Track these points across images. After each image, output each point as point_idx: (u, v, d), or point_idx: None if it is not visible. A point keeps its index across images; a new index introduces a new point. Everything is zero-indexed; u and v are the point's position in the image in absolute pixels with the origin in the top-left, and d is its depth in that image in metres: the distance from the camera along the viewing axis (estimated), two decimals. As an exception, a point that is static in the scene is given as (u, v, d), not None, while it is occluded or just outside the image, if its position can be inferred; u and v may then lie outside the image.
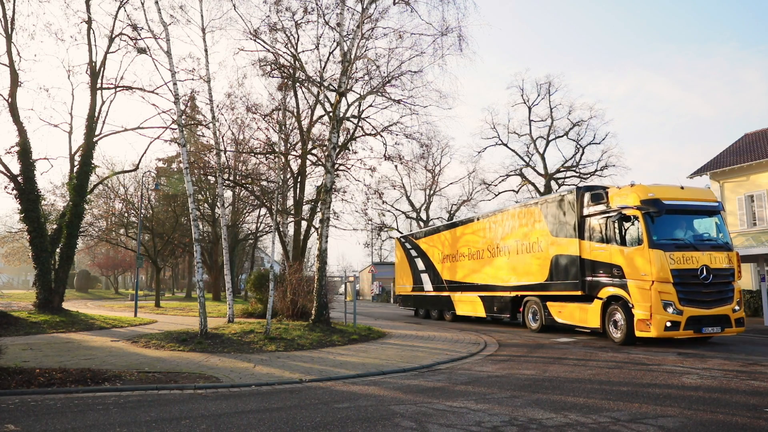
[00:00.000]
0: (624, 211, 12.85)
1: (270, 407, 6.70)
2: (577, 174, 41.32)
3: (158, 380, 8.30)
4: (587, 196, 14.27)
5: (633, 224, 12.76)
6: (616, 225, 13.17)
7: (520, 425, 5.70)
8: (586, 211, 14.26)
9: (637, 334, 12.41)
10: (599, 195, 13.85)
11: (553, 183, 41.42)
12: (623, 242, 12.98)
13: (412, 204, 47.94)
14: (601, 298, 13.59)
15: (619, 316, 13.01)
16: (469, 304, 20.57)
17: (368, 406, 6.72)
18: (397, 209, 48.08)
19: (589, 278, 14.09)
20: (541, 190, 40.38)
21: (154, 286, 37.66)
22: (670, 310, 11.85)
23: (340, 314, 19.64)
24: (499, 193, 44.27)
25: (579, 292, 14.42)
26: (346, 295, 23.83)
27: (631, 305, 12.58)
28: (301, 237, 21.32)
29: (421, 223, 47.77)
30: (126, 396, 7.35)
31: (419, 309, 25.71)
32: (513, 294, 17.70)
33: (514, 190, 43.55)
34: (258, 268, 47.02)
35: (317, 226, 16.79)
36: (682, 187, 13.12)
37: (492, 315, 19.17)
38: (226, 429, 5.62)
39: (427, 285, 23.86)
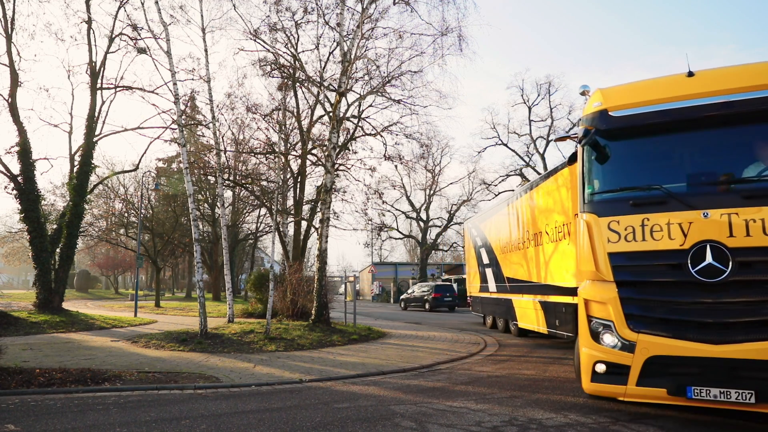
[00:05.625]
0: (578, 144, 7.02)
1: (270, 407, 6.70)
2: (577, 174, 41.30)
3: (158, 380, 8.30)
4: None
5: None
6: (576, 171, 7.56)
7: (520, 425, 5.70)
8: None
9: (582, 379, 6.34)
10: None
11: (553, 183, 41.39)
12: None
13: (412, 204, 47.94)
14: None
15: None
16: (530, 313, 14.05)
17: (368, 406, 6.72)
18: (397, 209, 48.07)
19: None
20: (541, 190, 40.35)
21: (154, 286, 37.67)
22: (609, 339, 5.87)
23: (340, 314, 19.65)
24: (499, 193, 44.28)
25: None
26: (346, 295, 23.79)
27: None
28: (301, 237, 21.31)
29: (421, 223, 47.77)
30: (126, 396, 7.35)
31: (486, 315, 19.70)
32: (574, 300, 11.45)
33: (513, 191, 43.58)
34: (258, 268, 47.03)
35: (317, 226, 16.79)
36: (690, 74, 6.12)
37: (553, 330, 12.48)
38: (226, 429, 5.62)
39: (491, 284, 17.69)
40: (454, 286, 36.82)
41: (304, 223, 20.98)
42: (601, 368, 5.90)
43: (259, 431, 5.55)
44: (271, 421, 5.96)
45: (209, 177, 29.76)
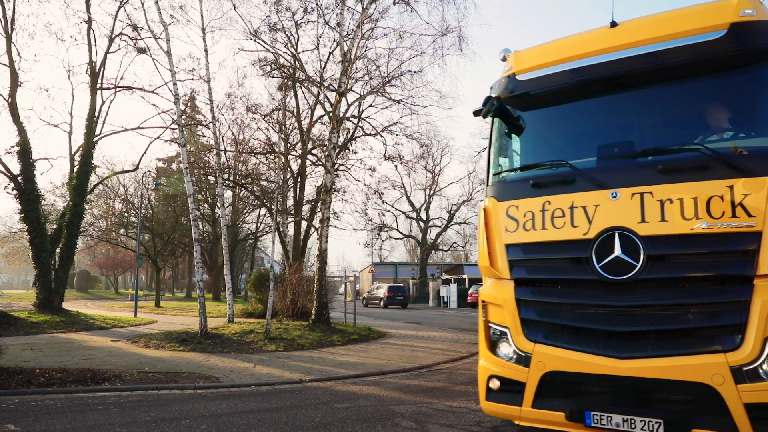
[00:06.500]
0: None
1: (270, 407, 6.70)
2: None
3: (158, 380, 8.30)
4: None
5: None
6: None
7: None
8: None
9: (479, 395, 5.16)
10: None
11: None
12: None
13: (412, 204, 47.99)
14: None
15: None
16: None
17: (368, 406, 6.72)
18: (397, 209, 48.14)
19: None
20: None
21: (154, 286, 37.69)
22: (504, 349, 4.71)
23: (340, 314, 19.65)
24: (499, 193, 44.31)
25: None
26: (346, 295, 23.81)
27: None
28: (301, 237, 21.31)
29: (421, 223, 47.79)
30: (126, 396, 7.35)
31: None
32: None
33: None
34: (258, 268, 47.01)
35: (317, 226, 16.80)
36: (613, 24, 4.69)
37: None
38: (226, 429, 5.62)
39: None
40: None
41: (304, 223, 20.99)
42: (495, 384, 4.66)
43: (259, 431, 5.55)
44: (271, 421, 5.97)
45: (209, 177, 29.77)
